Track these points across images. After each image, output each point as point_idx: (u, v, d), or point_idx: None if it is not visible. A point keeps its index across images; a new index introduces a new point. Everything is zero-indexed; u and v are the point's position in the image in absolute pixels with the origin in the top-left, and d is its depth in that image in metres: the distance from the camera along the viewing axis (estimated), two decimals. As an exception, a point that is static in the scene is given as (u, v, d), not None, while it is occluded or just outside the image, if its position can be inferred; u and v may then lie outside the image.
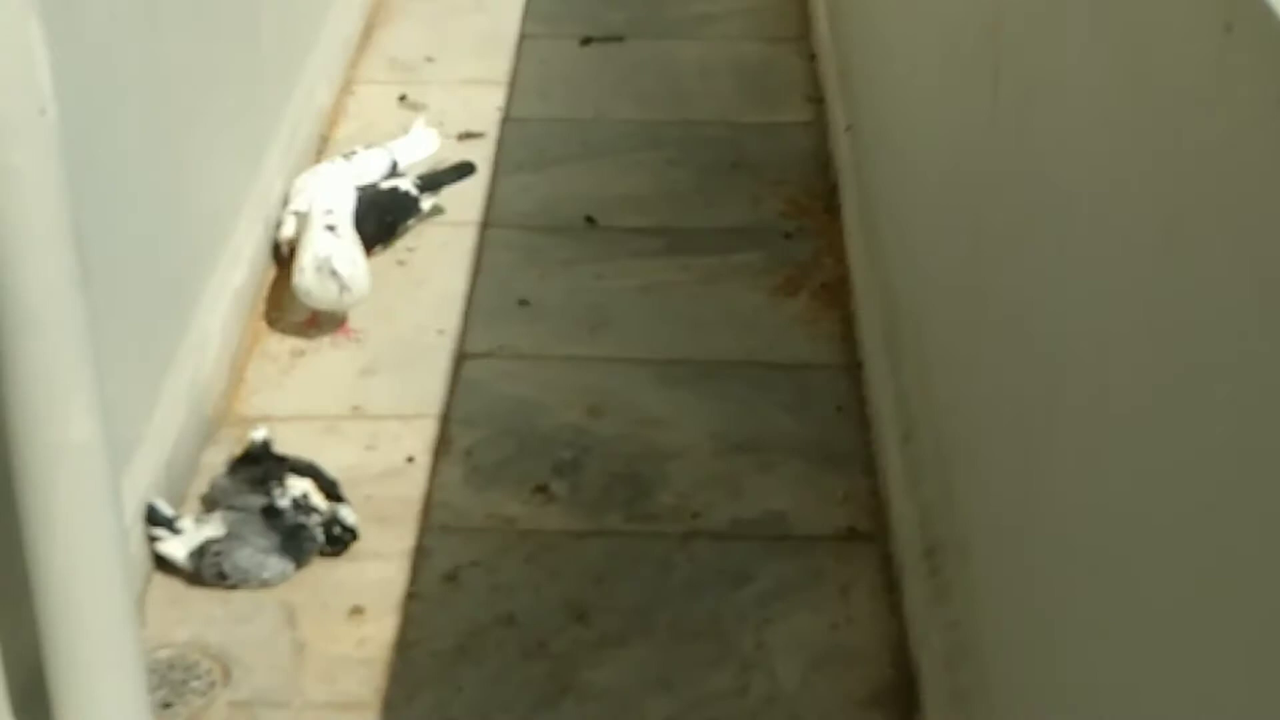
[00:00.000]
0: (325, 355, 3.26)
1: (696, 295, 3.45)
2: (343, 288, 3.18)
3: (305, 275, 3.20)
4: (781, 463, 2.98)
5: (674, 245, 3.61)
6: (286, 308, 3.34)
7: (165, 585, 2.70)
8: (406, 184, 3.57)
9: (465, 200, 3.74)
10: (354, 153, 3.68)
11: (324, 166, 3.65)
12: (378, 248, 3.48)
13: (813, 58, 4.37)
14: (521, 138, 4.05)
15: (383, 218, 3.48)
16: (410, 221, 3.59)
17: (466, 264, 3.53)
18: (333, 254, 3.19)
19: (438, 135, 3.78)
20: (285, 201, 3.51)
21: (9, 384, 1.90)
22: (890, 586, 2.69)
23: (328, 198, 3.32)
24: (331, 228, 3.27)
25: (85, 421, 1.95)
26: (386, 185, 3.54)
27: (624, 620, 2.65)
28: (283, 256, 3.42)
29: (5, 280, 1.85)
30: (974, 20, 2.33)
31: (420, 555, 2.76)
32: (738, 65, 4.39)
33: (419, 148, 3.73)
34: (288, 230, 3.42)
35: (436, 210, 3.67)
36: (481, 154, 3.94)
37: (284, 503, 2.75)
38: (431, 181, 3.64)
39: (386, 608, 2.66)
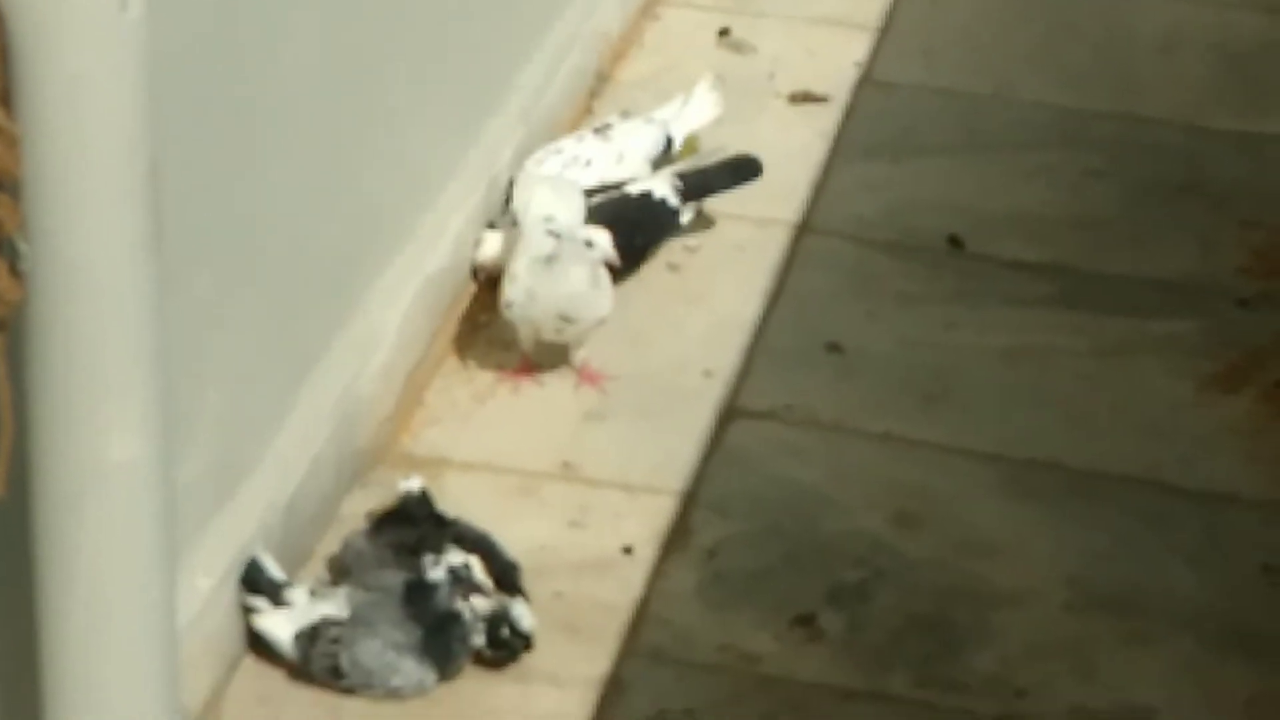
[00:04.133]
0: (542, 386, 3.32)
1: (1089, 371, 3.41)
2: (573, 300, 3.22)
3: (517, 284, 3.22)
4: (1164, 636, 2.92)
5: (1070, 294, 3.58)
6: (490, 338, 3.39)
7: (257, 675, 2.78)
8: (664, 188, 3.56)
9: (779, 190, 3.76)
10: (609, 125, 3.71)
11: (566, 145, 3.66)
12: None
13: (1335, 43, 4.29)
14: (881, 110, 4.06)
15: (630, 238, 3.44)
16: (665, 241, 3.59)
17: (764, 281, 3.56)
18: (561, 254, 3.21)
19: (720, 101, 3.76)
20: (507, 190, 3.52)
21: (36, 368, 1.97)
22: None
23: (548, 202, 3.33)
24: (554, 235, 3.30)
25: (131, 435, 2.01)
26: (637, 190, 3.54)
27: (888, 829, 2.65)
28: (480, 281, 3.47)
29: (48, 223, 1.92)
30: None
31: (614, 689, 2.78)
32: (1221, 42, 4.33)
33: (697, 116, 3.73)
34: (489, 249, 3.46)
35: (702, 223, 3.66)
36: (819, 126, 3.96)
37: (436, 575, 2.79)
38: (698, 185, 3.63)
39: (552, 758, 2.70)
